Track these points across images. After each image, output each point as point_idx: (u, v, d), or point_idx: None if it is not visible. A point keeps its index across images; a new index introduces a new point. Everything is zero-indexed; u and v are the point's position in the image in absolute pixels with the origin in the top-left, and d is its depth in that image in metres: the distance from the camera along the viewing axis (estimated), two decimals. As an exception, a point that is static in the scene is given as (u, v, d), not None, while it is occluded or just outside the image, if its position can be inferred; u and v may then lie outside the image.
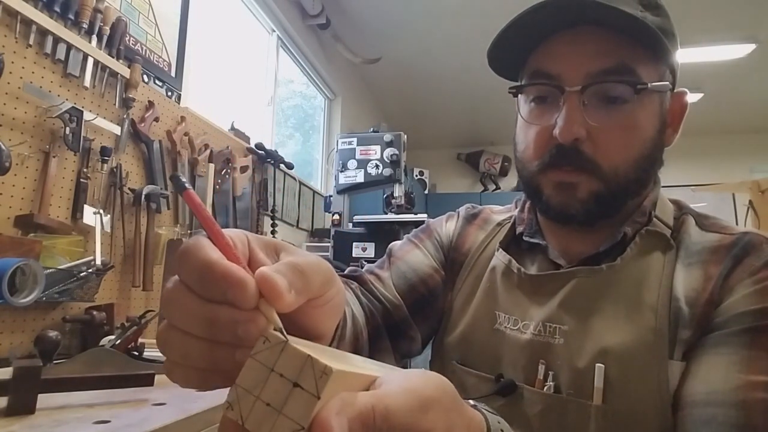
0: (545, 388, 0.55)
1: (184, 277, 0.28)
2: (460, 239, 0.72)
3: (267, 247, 0.33)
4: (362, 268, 0.72)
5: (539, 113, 0.57)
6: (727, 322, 0.49)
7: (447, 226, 0.75)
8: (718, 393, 0.45)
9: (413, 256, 0.71)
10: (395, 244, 0.75)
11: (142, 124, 1.60)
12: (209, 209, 1.93)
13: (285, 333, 0.26)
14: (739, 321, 0.48)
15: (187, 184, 0.30)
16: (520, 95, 0.59)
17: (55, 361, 0.83)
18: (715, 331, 0.49)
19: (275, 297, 0.26)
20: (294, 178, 2.92)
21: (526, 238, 0.65)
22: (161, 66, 1.78)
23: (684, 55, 3.85)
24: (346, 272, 0.72)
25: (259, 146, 2.38)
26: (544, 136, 0.56)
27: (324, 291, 0.32)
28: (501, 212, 0.75)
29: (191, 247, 0.28)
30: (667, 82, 0.56)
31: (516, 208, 0.71)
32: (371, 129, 2.74)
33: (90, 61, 1.39)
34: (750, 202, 2.70)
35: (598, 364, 0.52)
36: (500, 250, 0.65)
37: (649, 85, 0.52)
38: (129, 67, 1.52)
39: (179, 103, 1.86)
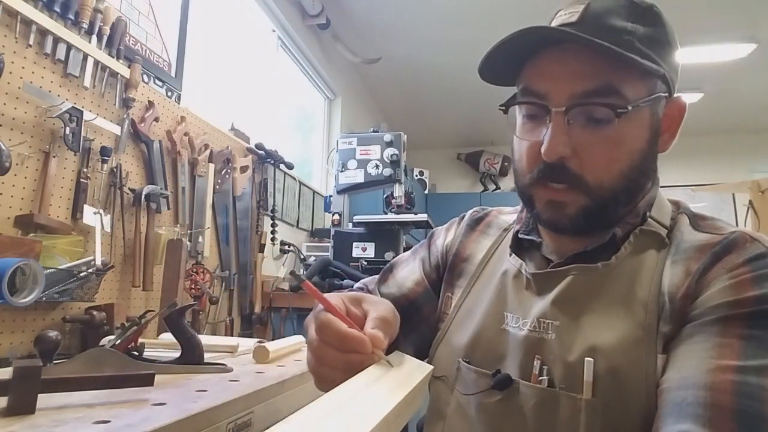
0: (540, 382, 0.56)
1: (327, 340, 0.48)
2: (461, 246, 0.76)
3: (354, 302, 0.54)
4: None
5: (530, 128, 0.59)
6: (702, 314, 0.50)
7: (447, 234, 0.80)
8: (690, 377, 0.46)
9: (403, 271, 0.79)
10: (398, 259, 0.83)
11: (142, 124, 1.60)
12: (209, 210, 1.93)
13: (389, 361, 0.49)
14: (712, 312, 0.49)
15: (303, 276, 0.54)
16: (517, 106, 0.61)
17: (55, 361, 0.83)
18: (691, 323, 0.50)
19: (380, 345, 0.48)
20: (294, 178, 2.92)
21: (521, 235, 0.67)
22: (161, 66, 1.78)
23: (684, 55, 3.81)
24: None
25: (259, 146, 2.38)
26: (533, 150, 0.58)
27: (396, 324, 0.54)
28: (509, 213, 0.77)
29: (328, 322, 0.48)
30: (659, 93, 0.57)
31: (523, 210, 0.73)
32: (371, 129, 2.74)
33: (90, 61, 1.39)
34: (750, 202, 2.70)
35: (587, 359, 0.53)
36: (513, 255, 0.67)
37: (629, 107, 0.53)
38: (129, 67, 1.52)
39: (179, 103, 1.86)
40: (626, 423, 0.50)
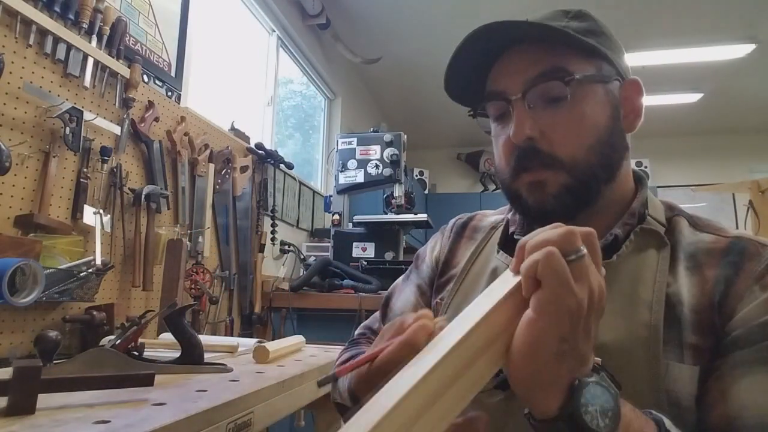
0: None
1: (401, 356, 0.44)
2: (450, 254, 0.76)
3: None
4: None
5: (501, 127, 0.63)
6: (750, 336, 0.50)
7: (434, 248, 0.80)
8: None
9: (399, 301, 0.80)
10: (392, 291, 0.83)
11: (142, 124, 1.60)
12: (209, 210, 1.93)
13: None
14: (761, 333, 0.49)
15: (331, 373, 0.45)
16: (490, 117, 0.65)
17: (55, 361, 0.83)
18: (741, 348, 0.50)
19: (430, 314, 0.47)
20: (294, 178, 2.92)
21: (517, 237, 0.67)
22: (161, 66, 1.78)
23: (684, 55, 3.85)
24: (356, 336, 0.81)
25: (259, 146, 2.38)
26: (508, 144, 0.61)
27: None
28: (494, 214, 0.78)
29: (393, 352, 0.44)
30: (607, 73, 0.60)
31: (510, 211, 0.74)
32: (371, 129, 2.74)
33: (90, 61, 1.39)
34: (750, 202, 2.70)
35: (594, 358, 0.52)
36: (500, 252, 0.67)
37: (577, 75, 0.57)
38: (129, 67, 1.52)
39: (179, 103, 1.86)
40: None
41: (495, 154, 0.65)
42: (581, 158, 0.57)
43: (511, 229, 0.69)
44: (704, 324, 0.52)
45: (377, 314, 0.83)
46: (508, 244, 0.69)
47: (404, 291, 0.80)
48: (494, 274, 0.66)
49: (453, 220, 0.81)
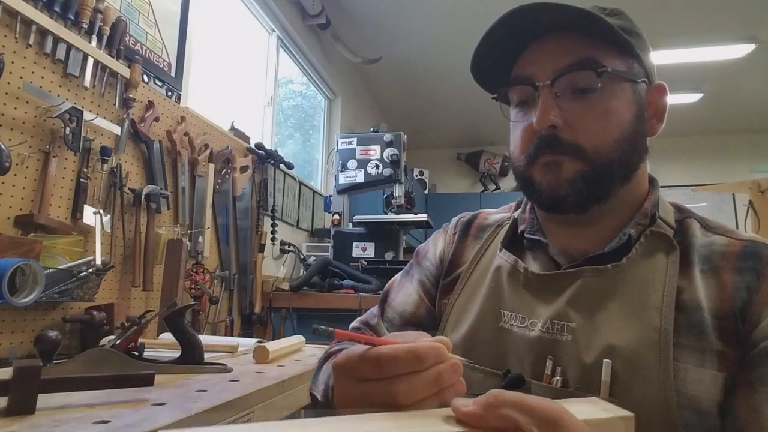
0: (553, 382, 0.55)
1: (405, 368, 0.39)
2: (456, 254, 0.74)
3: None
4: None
5: (523, 113, 0.62)
6: None
7: (436, 245, 0.78)
8: None
9: (399, 296, 0.76)
10: (390, 287, 0.80)
11: (142, 124, 1.60)
12: (209, 210, 1.93)
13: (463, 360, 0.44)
14: None
15: (330, 329, 0.42)
16: (511, 103, 0.64)
17: (55, 361, 0.83)
18: None
19: (449, 345, 0.41)
20: (294, 178, 2.92)
21: (527, 235, 0.66)
22: (161, 66, 1.78)
23: (684, 55, 3.85)
24: (351, 330, 0.77)
25: (259, 146, 2.38)
26: (528, 131, 0.60)
27: None
28: (497, 213, 0.77)
29: (392, 354, 0.38)
30: (637, 73, 0.60)
31: (515, 209, 0.73)
32: (371, 129, 2.74)
33: (90, 61, 1.39)
34: (750, 202, 2.70)
35: (605, 360, 0.53)
36: (504, 250, 0.66)
37: (609, 68, 0.56)
38: (129, 67, 1.52)
39: (179, 103, 1.86)
40: (642, 423, 0.50)
41: (511, 140, 0.64)
42: (604, 151, 0.56)
43: (521, 227, 0.68)
44: (728, 331, 0.51)
45: (374, 310, 0.80)
46: (513, 243, 0.68)
47: (405, 286, 0.76)
48: (498, 273, 0.65)
49: (456, 219, 0.79)
